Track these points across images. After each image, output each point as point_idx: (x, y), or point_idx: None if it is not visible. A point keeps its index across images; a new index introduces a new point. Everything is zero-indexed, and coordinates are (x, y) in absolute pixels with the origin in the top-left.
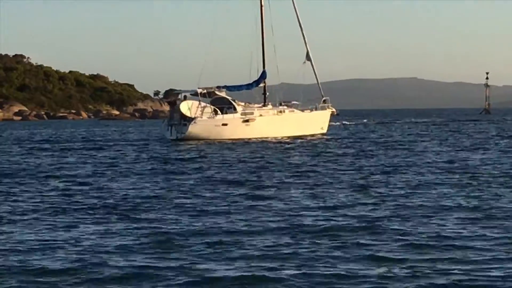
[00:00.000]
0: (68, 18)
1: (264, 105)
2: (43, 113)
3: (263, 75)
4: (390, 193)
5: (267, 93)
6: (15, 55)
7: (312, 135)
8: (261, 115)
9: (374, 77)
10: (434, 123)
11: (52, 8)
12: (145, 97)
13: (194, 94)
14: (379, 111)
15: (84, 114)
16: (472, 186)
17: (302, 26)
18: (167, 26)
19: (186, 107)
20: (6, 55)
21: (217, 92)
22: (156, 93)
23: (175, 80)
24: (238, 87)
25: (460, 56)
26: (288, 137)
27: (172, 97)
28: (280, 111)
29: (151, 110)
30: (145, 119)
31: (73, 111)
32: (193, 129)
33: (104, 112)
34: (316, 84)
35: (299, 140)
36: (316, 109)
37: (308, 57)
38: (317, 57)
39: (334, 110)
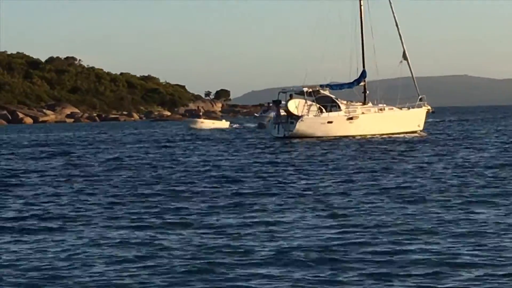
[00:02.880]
0: (119, 20)
1: (364, 103)
2: (95, 115)
3: (363, 74)
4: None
5: (367, 92)
6: (67, 58)
7: (410, 132)
8: (363, 113)
9: (424, 75)
10: None
11: (104, 10)
12: (196, 97)
13: (300, 93)
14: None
15: (135, 116)
16: None
17: (399, 25)
18: (218, 26)
19: (294, 106)
20: (57, 57)
21: (321, 91)
22: (207, 93)
23: (226, 80)
24: (340, 86)
25: (511, 53)
26: (388, 134)
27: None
28: (381, 109)
29: (203, 110)
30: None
31: (125, 113)
32: (300, 126)
33: (156, 113)
34: (412, 82)
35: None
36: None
37: (404, 56)
38: (367, 55)
39: (429, 107)
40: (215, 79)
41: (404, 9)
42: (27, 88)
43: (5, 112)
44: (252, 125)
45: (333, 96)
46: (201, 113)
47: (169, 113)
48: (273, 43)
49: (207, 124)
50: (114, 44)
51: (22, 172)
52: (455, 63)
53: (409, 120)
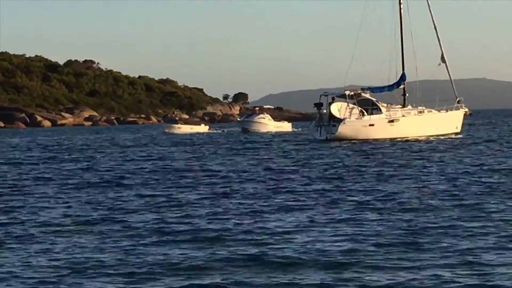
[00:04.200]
0: (137, 23)
1: (403, 106)
2: (113, 118)
3: (402, 77)
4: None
5: (407, 94)
6: (85, 61)
7: (448, 135)
8: (403, 116)
9: (442, 78)
10: None
11: (122, 13)
12: (215, 101)
13: (341, 96)
14: None
15: (153, 119)
16: None
17: (437, 28)
18: (236, 29)
19: (336, 109)
20: (76, 61)
21: (362, 94)
22: (225, 96)
23: (244, 83)
24: (381, 89)
25: None
26: (427, 136)
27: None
28: (420, 111)
29: (221, 114)
30: (215, 122)
31: (143, 116)
32: (342, 129)
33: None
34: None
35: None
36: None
37: (442, 59)
38: (387, 59)
39: (467, 110)
40: (233, 83)
41: (421, 11)
42: (46, 91)
43: (23, 115)
44: (233, 129)
45: (374, 99)
46: (177, 118)
47: (187, 116)
48: (291, 46)
49: (185, 129)
50: (132, 47)
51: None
52: (473, 66)
53: (448, 123)
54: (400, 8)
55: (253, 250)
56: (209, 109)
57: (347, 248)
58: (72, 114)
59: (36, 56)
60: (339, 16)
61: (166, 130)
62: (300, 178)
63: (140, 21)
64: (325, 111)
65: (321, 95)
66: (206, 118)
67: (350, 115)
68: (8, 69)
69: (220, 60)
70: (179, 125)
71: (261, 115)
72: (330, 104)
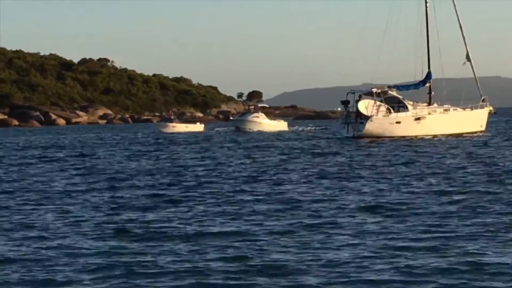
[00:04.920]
0: (151, 21)
1: (429, 104)
2: (127, 116)
3: (428, 76)
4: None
5: (432, 92)
6: (100, 59)
7: (473, 133)
8: (429, 113)
9: (456, 77)
10: None
11: (137, 11)
12: (229, 99)
13: (368, 94)
14: None
15: None
16: None
17: (463, 27)
18: (251, 27)
19: (363, 106)
20: (90, 59)
21: (389, 92)
22: (240, 95)
23: (259, 81)
24: (407, 87)
25: None
26: (452, 135)
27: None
28: (446, 109)
29: (235, 112)
30: (229, 121)
31: (157, 114)
32: (370, 126)
33: (188, 114)
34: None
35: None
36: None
37: (468, 58)
38: (400, 57)
39: (491, 108)
40: (247, 81)
41: (447, 10)
42: (60, 89)
43: (38, 113)
44: (223, 128)
45: (400, 97)
46: (172, 117)
47: (201, 115)
48: (306, 44)
49: (180, 128)
50: (146, 46)
51: None
52: (487, 64)
53: (473, 121)
54: (426, 7)
55: (252, 252)
56: (224, 107)
57: (349, 248)
58: (87, 112)
59: (51, 54)
60: (356, 15)
61: (161, 129)
62: (309, 177)
63: (155, 19)
64: (352, 109)
65: (348, 93)
66: (220, 116)
67: (377, 113)
68: (22, 68)
69: (234, 59)
70: (173, 124)
71: (255, 114)
72: (357, 101)
